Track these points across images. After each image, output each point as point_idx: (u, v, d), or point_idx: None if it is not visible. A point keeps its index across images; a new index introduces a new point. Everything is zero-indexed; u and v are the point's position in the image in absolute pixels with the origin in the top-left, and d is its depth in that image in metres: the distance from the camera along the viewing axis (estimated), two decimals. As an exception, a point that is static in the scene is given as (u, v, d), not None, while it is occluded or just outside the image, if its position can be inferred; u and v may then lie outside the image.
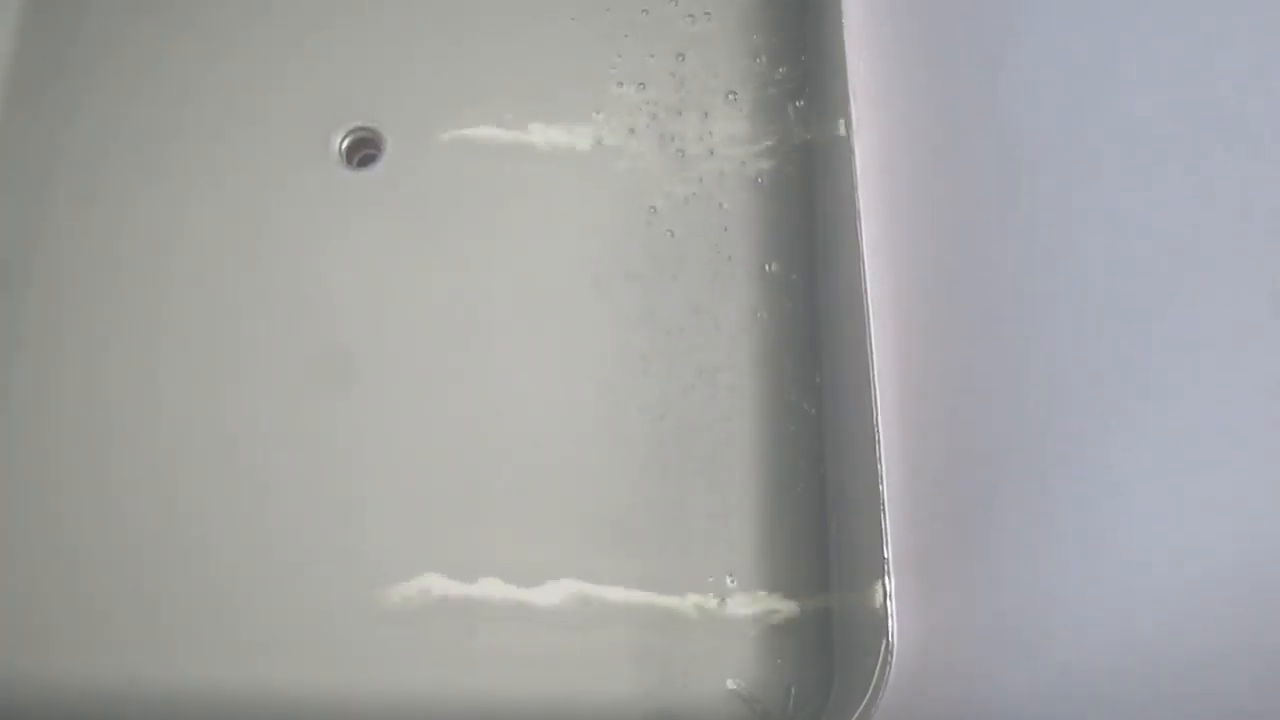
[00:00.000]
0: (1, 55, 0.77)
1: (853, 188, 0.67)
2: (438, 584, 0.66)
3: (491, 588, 0.67)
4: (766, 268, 0.74)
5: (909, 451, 0.60)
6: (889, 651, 0.59)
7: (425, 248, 0.74)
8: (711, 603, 0.67)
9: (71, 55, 0.77)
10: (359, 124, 0.76)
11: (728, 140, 0.77)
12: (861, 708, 0.59)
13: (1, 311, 0.71)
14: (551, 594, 0.67)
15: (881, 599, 0.60)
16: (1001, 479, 0.52)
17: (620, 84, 0.78)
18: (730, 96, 0.78)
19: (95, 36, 0.78)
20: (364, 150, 0.76)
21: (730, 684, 0.66)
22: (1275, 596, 0.36)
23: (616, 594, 0.67)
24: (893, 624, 0.59)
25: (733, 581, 0.67)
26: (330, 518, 0.68)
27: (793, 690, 0.65)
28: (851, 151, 0.68)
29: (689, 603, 0.67)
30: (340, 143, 0.76)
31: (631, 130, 0.77)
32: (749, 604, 0.67)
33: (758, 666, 0.66)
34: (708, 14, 0.80)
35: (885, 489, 0.61)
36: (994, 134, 0.55)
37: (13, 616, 0.65)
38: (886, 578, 0.60)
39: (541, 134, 0.77)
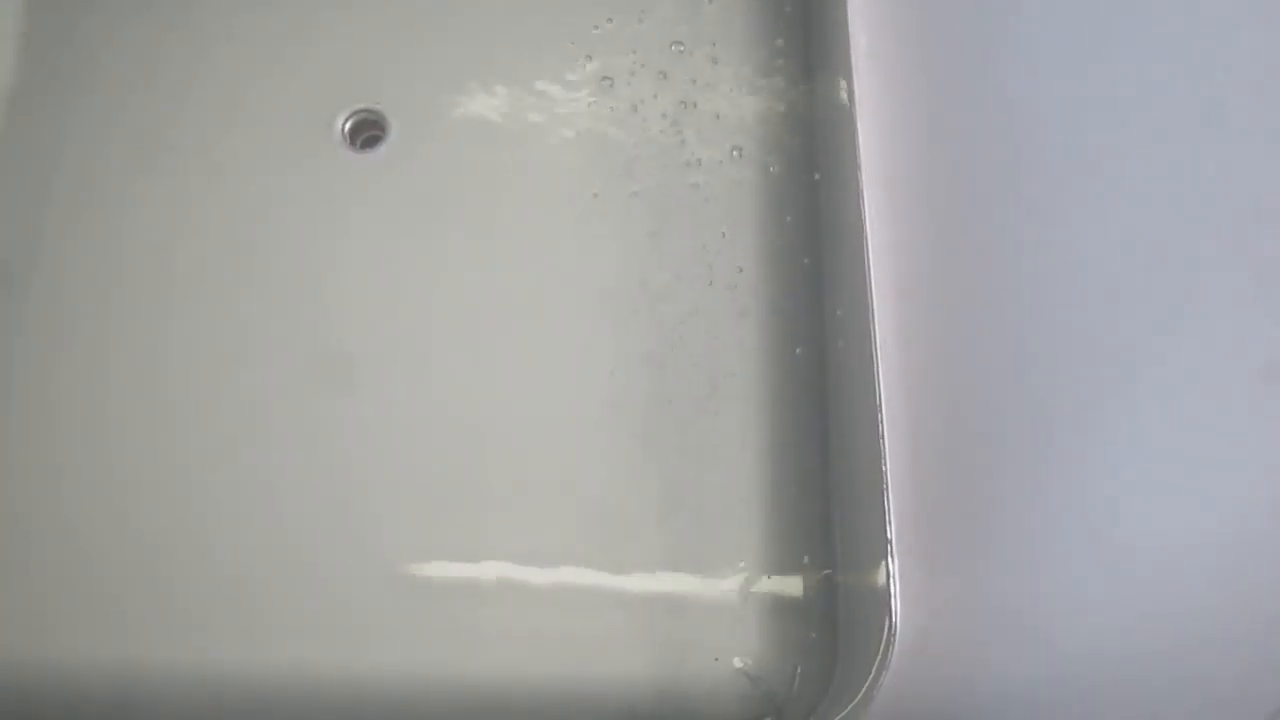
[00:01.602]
0: (6, 43, 0.77)
1: (856, 166, 0.66)
2: (446, 568, 0.67)
3: (499, 571, 0.67)
4: (770, 246, 0.74)
5: (912, 436, 0.60)
6: (891, 633, 0.59)
7: (430, 229, 0.74)
8: (719, 584, 0.67)
9: (74, 45, 0.77)
10: (362, 106, 0.76)
11: (732, 113, 0.76)
12: (864, 687, 0.59)
13: (8, 303, 0.72)
14: (560, 576, 0.67)
15: (885, 580, 0.60)
16: (1003, 463, 0.52)
17: (625, 59, 0.78)
18: (734, 69, 0.77)
19: (97, 27, 0.78)
20: (368, 132, 0.76)
21: (737, 663, 0.66)
22: (1272, 580, 0.36)
23: (625, 576, 0.67)
24: (895, 605, 0.59)
25: (740, 563, 0.67)
26: (340, 502, 0.68)
27: (798, 669, 0.65)
28: (854, 126, 0.67)
29: (696, 584, 0.67)
30: (343, 125, 0.75)
31: (637, 105, 0.76)
32: (756, 585, 0.67)
33: (765, 647, 0.66)
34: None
35: (889, 473, 0.61)
36: (995, 110, 0.54)
37: (28, 604, 0.66)
38: (890, 560, 0.60)
39: (545, 111, 0.76)
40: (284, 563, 0.67)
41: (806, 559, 0.68)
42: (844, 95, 0.71)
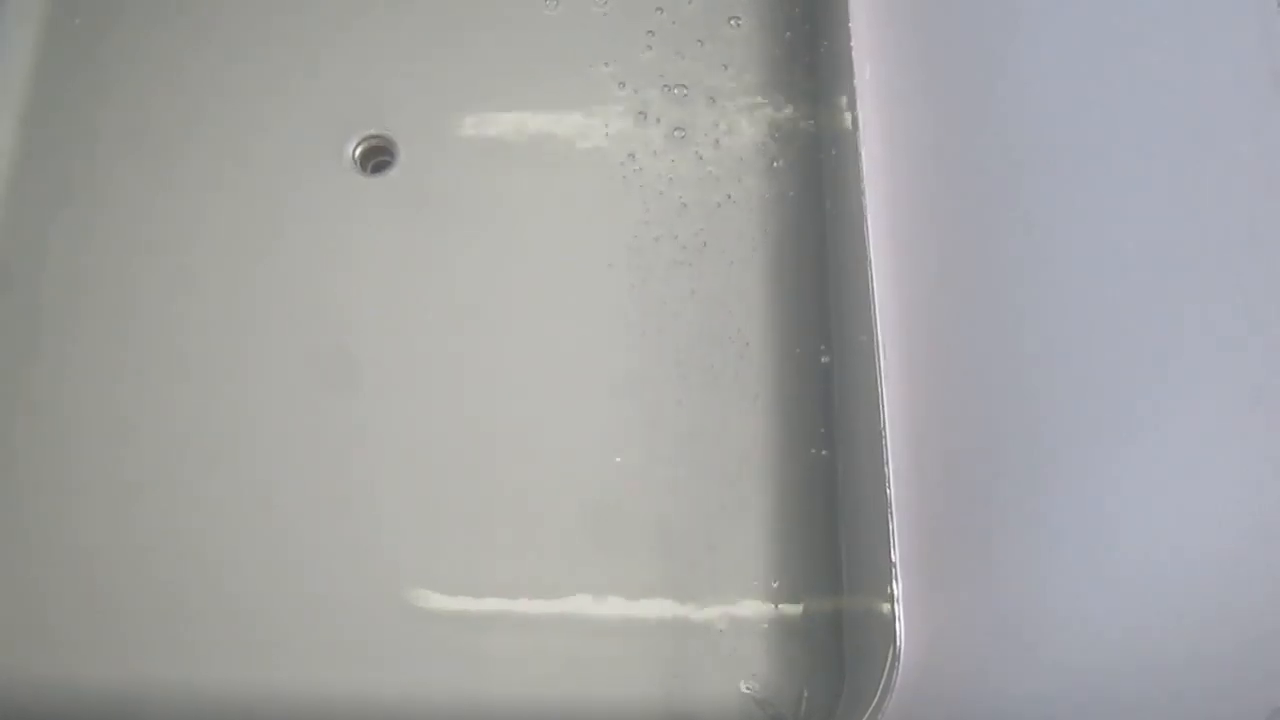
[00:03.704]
0: (24, 64, 0.78)
1: (859, 191, 0.67)
2: (451, 587, 0.67)
3: (505, 592, 0.67)
4: (776, 271, 0.74)
5: (916, 459, 0.60)
6: (896, 657, 0.58)
7: (439, 252, 0.74)
8: (725, 608, 0.67)
9: (90, 66, 0.78)
10: (372, 131, 0.77)
11: (738, 140, 0.77)
12: (869, 710, 0.59)
13: (17, 313, 0.72)
14: (566, 599, 0.67)
15: (889, 603, 0.60)
16: (1005, 485, 0.52)
17: (630, 83, 0.78)
18: (740, 97, 0.78)
19: (113, 48, 0.79)
20: (378, 157, 0.77)
21: (744, 688, 0.66)
22: (1272, 595, 0.36)
23: (631, 600, 0.67)
24: (900, 628, 0.59)
25: (746, 587, 0.67)
26: (346, 522, 0.68)
27: (805, 694, 0.65)
28: (858, 149, 0.68)
29: (703, 608, 0.67)
30: (354, 150, 0.76)
31: (643, 128, 0.77)
32: (762, 609, 0.67)
33: (771, 671, 0.66)
34: (716, 18, 0.80)
35: (893, 496, 0.61)
36: (996, 135, 0.54)
37: (30, 618, 0.67)
38: (894, 583, 0.60)
39: (553, 136, 0.77)
40: (290, 584, 0.67)
41: (812, 582, 0.68)
42: (848, 122, 0.72)
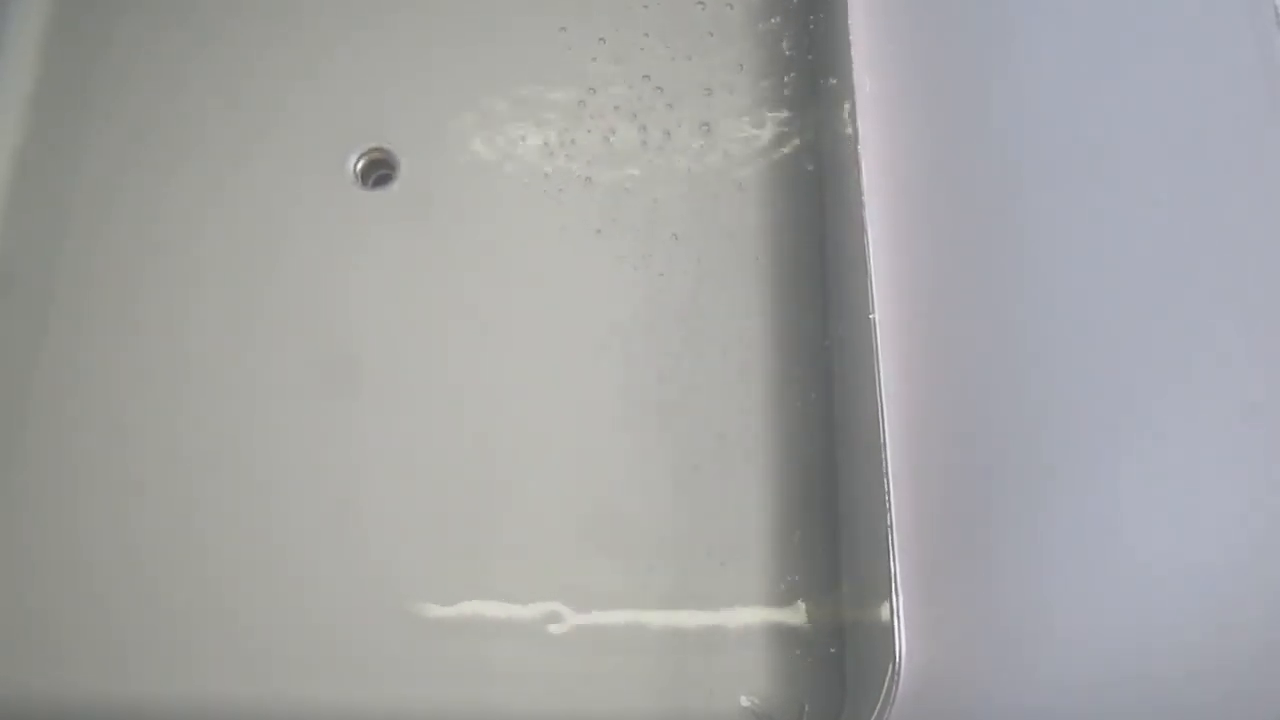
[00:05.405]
0: (26, 72, 0.79)
1: (859, 203, 0.67)
2: (451, 601, 0.67)
3: (503, 604, 0.67)
4: (776, 282, 0.74)
5: (916, 473, 0.60)
6: (896, 669, 0.58)
7: (440, 267, 0.74)
8: (725, 621, 0.67)
9: (91, 78, 0.79)
10: (373, 145, 0.77)
11: (736, 147, 0.77)
12: (870, 724, 0.59)
13: (18, 320, 0.72)
14: (564, 611, 0.67)
15: (889, 615, 0.60)
16: (1005, 498, 0.52)
17: (631, 98, 0.79)
18: (740, 112, 0.79)
19: (115, 59, 0.79)
20: (379, 171, 0.77)
21: (744, 702, 0.65)
22: (1271, 605, 0.36)
23: (630, 612, 0.67)
24: (900, 642, 0.59)
25: (746, 601, 0.67)
26: (347, 535, 0.68)
27: (806, 707, 0.65)
28: (858, 158, 0.68)
29: (702, 621, 0.67)
30: (355, 164, 0.77)
31: (644, 143, 0.78)
32: (762, 623, 0.67)
33: (772, 684, 0.66)
34: (712, 28, 0.81)
35: (893, 508, 0.61)
36: (995, 142, 0.55)
37: (29, 633, 0.66)
38: (894, 595, 0.60)
39: (555, 151, 0.77)
40: (291, 595, 0.67)
41: (812, 595, 0.67)
42: (848, 136, 0.72)
